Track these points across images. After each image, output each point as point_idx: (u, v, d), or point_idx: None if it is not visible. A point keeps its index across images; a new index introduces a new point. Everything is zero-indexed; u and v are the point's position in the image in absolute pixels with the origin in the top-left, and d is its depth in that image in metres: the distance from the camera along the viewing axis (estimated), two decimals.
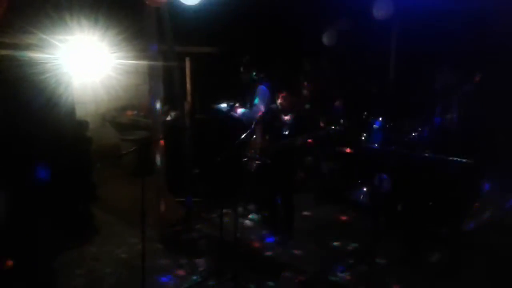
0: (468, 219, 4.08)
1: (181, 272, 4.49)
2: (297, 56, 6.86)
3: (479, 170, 4.11)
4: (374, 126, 5.67)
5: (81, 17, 5.69)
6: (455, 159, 4.54)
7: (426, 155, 4.89)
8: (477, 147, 4.20)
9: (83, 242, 4.89)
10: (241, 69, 5.84)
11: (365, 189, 5.73)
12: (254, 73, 5.83)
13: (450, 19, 5.87)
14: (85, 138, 5.09)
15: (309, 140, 4.58)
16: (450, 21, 5.88)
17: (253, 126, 5.01)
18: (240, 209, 5.41)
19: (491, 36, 5.69)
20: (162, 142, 5.02)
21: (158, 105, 5.11)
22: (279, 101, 4.87)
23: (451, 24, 5.86)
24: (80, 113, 6.05)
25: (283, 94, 4.85)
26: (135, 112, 7.35)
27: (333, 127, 4.49)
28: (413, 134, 5.22)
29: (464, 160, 4.36)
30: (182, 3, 4.75)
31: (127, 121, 7.29)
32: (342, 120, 4.46)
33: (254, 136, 5.08)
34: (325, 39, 7.16)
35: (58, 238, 4.64)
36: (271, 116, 4.94)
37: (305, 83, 6.43)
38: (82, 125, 5.17)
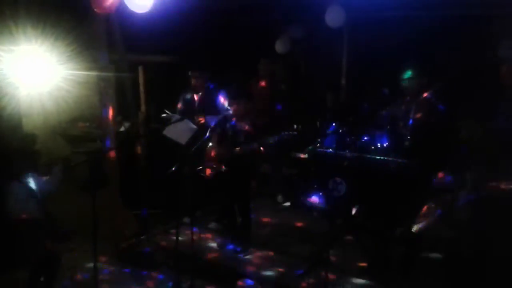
0: (421, 219, 4.16)
1: (137, 286, 4.38)
2: (251, 63, 6.88)
3: (430, 172, 4.22)
4: (328, 130, 5.76)
5: (28, 27, 5.51)
6: (406, 161, 4.66)
7: (379, 157, 4.99)
8: (427, 150, 4.32)
9: None
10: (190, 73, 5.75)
11: (321, 194, 5.79)
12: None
13: (398, 26, 6.06)
14: (32, 151, 4.88)
15: (261, 148, 4.61)
16: (398, 28, 6.06)
17: (208, 133, 4.99)
18: (196, 218, 5.34)
19: (439, 43, 5.91)
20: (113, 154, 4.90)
21: (110, 116, 5.00)
22: (233, 107, 4.88)
23: (400, 31, 6.05)
24: (27, 126, 5.85)
25: (237, 101, 4.86)
26: (87, 123, 7.15)
27: (286, 132, 4.53)
28: (365, 138, 5.33)
29: (415, 162, 4.49)
30: (133, 11, 4.68)
31: (78, 133, 7.06)
32: (295, 126, 4.49)
33: (210, 144, 5.06)
34: (279, 47, 7.24)
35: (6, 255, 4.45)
36: (225, 123, 4.93)
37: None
38: (28, 138, 4.94)
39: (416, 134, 4.55)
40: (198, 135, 5.07)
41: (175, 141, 5.17)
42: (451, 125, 4.46)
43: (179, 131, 5.18)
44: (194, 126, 5.27)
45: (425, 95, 4.46)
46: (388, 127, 5.20)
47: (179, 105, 5.89)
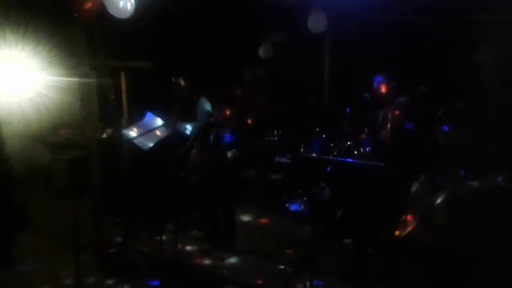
0: (403, 223, 4.19)
1: None
2: (234, 68, 6.89)
3: (411, 176, 4.25)
4: (311, 135, 5.78)
5: (8, 32, 5.45)
6: (388, 165, 4.69)
7: (362, 162, 5.02)
8: (405, 154, 4.35)
9: (12, 268, 4.61)
10: (173, 79, 5.71)
11: (304, 199, 5.80)
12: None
13: (380, 31, 6.13)
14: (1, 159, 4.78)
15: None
16: (380, 33, 6.13)
17: (191, 140, 4.97)
18: (180, 225, 5.31)
19: (420, 48, 5.99)
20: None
21: (91, 122, 4.96)
22: (216, 114, 4.87)
23: (382, 36, 6.12)
24: (7, 133, 5.76)
25: (220, 107, 4.86)
26: (68, 130, 7.09)
27: (268, 138, 4.54)
28: (349, 143, 5.36)
29: (396, 166, 4.52)
30: (114, 17, 4.65)
31: (60, 140, 7.00)
32: (276, 131, 4.51)
33: (193, 151, 5.04)
34: (262, 52, 7.26)
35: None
36: (209, 130, 4.92)
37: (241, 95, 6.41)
38: None
39: (394, 137, 4.58)
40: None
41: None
42: (429, 129, 4.51)
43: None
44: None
45: (400, 99, 4.50)
46: (366, 131, 5.24)
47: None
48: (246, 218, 5.96)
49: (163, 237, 4.33)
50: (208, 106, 5.59)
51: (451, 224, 3.34)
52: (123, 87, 5.97)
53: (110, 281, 4.53)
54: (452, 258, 3.44)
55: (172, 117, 5.77)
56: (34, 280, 4.52)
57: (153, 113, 5.37)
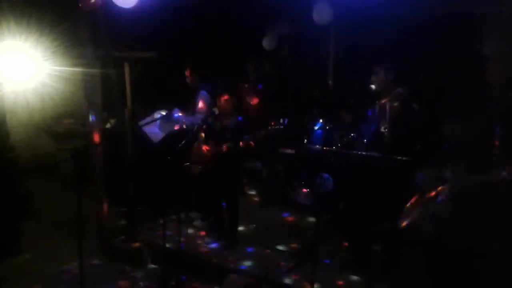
0: (406, 214, 4.20)
1: (123, 283, 4.36)
2: (238, 59, 6.87)
3: (414, 167, 4.25)
4: (315, 127, 5.77)
5: (12, 22, 5.44)
6: (392, 157, 4.68)
7: (365, 153, 5.01)
8: (406, 146, 4.35)
9: (15, 256, 4.66)
10: (186, 72, 5.75)
11: (308, 189, 5.81)
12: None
13: (385, 23, 6.10)
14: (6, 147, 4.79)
15: (251, 142, 4.59)
16: (385, 26, 6.11)
17: (195, 131, 4.97)
18: (184, 215, 5.33)
19: (425, 40, 5.96)
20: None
21: (95, 113, 4.97)
22: (219, 104, 4.86)
23: (387, 28, 6.09)
24: (12, 122, 5.78)
25: (224, 97, 4.85)
26: (72, 120, 7.11)
27: (273, 126, 4.52)
28: (352, 134, 5.35)
29: (400, 158, 4.52)
30: (118, 6, 4.64)
31: (64, 130, 7.04)
32: (282, 120, 4.48)
33: (197, 142, 5.04)
34: (266, 43, 7.23)
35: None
36: (212, 120, 4.92)
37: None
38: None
39: (394, 128, 4.58)
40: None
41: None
42: (431, 121, 4.49)
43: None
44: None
45: (398, 89, 4.49)
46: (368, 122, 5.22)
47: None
48: (249, 208, 5.97)
49: (167, 227, 4.35)
50: (211, 97, 5.58)
51: (454, 217, 3.34)
52: (127, 77, 5.94)
53: (114, 270, 4.57)
54: (455, 251, 3.45)
55: (176, 108, 5.80)
56: (38, 268, 4.57)
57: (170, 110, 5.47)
